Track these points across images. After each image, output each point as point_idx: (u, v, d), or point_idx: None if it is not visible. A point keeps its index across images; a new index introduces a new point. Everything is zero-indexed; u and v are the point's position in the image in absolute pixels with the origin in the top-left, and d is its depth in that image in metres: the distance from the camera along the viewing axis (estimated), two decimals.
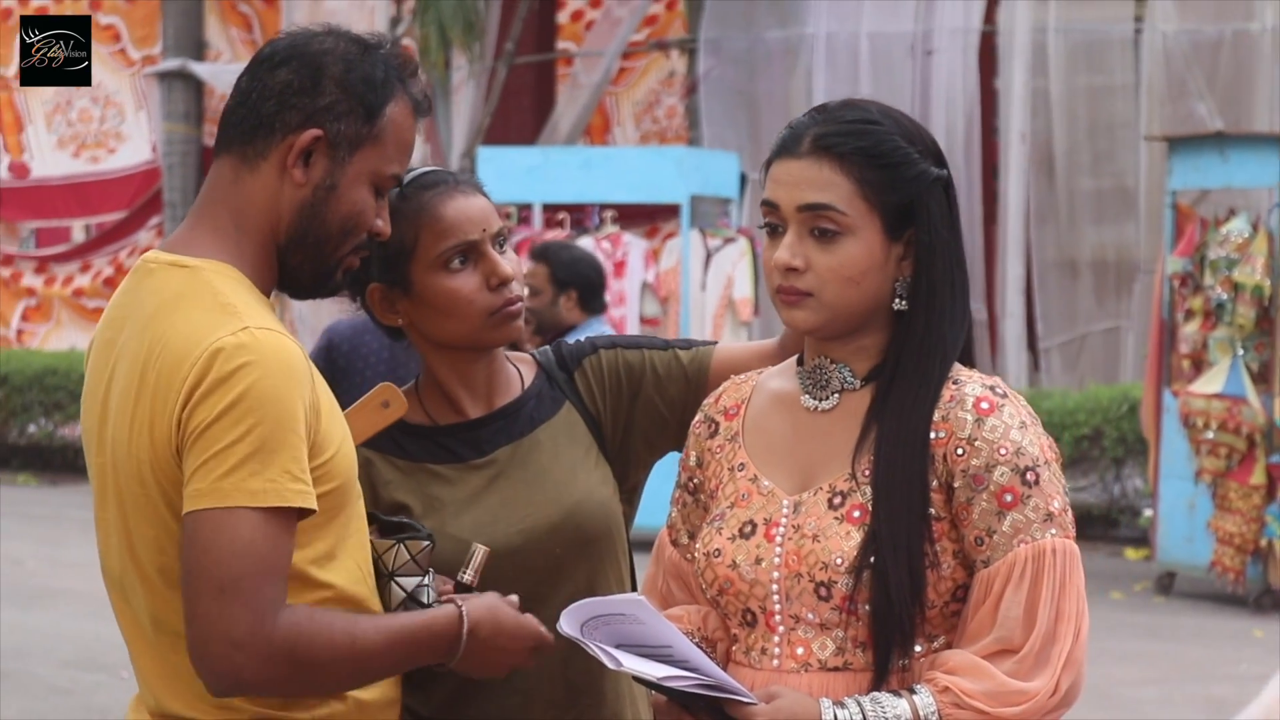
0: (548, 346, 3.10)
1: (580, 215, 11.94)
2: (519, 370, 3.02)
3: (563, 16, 17.57)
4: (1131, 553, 11.86)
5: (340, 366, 5.52)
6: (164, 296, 2.47)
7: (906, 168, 2.53)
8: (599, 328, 6.73)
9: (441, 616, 2.55)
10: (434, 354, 2.95)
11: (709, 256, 12.10)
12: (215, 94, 17.92)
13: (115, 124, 18.72)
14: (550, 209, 11.99)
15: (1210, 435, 10.26)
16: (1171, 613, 10.20)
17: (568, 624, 2.48)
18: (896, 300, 2.55)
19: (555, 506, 2.91)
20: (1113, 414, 12.37)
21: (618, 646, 2.46)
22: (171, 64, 17.56)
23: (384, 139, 2.54)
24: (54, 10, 18.67)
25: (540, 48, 17.15)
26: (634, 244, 12.11)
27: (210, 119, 18.16)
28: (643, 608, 2.47)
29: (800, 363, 2.63)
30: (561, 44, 17.50)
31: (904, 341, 2.54)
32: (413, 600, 2.59)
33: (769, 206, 2.55)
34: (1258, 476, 10.12)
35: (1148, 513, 11.37)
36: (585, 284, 6.84)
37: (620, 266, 11.93)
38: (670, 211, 13.24)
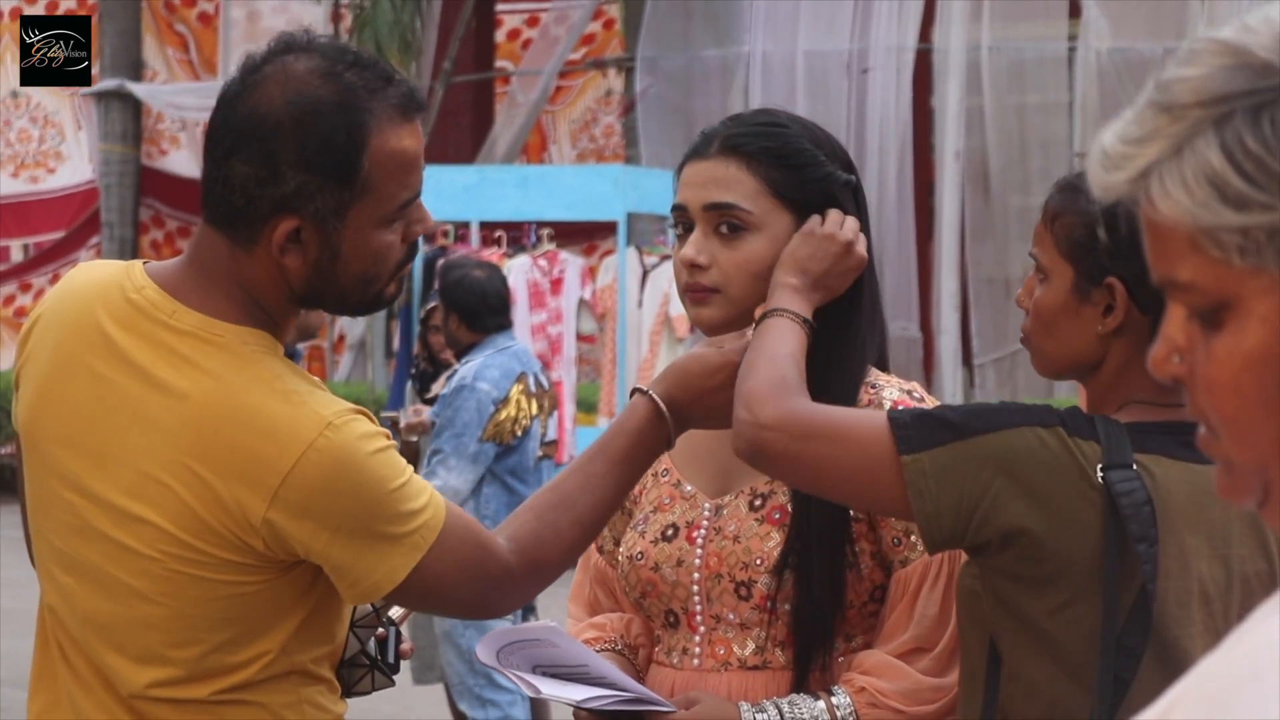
0: None
1: (518, 233, 11.95)
2: None
3: (500, 35, 17.67)
4: None
5: None
6: (204, 371, 2.33)
7: (813, 169, 2.53)
8: (505, 342, 6.67)
9: (641, 418, 2.49)
10: None
11: (645, 274, 12.13)
12: (152, 114, 17.87)
13: (55, 144, 18.69)
14: (487, 227, 11.98)
15: None
16: None
17: (484, 653, 2.50)
18: None
19: None
20: None
21: (535, 668, 2.50)
22: (109, 84, 17.51)
23: (372, 187, 2.32)
24: None
25: (478, 67, 17.18)
26: (571, 261, 12.13)
27: (148, 139, 18.13)
28: (556, 633, 2.51)
29: None
30: (499, 63, 17.58)
31: (815, 344, 2.48)
32: (364, 654, 2.55)
33: (679, 210, 2.58)
34: None
35: None
36: (464, 309, 6.72)
37: (557, 284, 11.94)
38: (607, 229, 13.26)
